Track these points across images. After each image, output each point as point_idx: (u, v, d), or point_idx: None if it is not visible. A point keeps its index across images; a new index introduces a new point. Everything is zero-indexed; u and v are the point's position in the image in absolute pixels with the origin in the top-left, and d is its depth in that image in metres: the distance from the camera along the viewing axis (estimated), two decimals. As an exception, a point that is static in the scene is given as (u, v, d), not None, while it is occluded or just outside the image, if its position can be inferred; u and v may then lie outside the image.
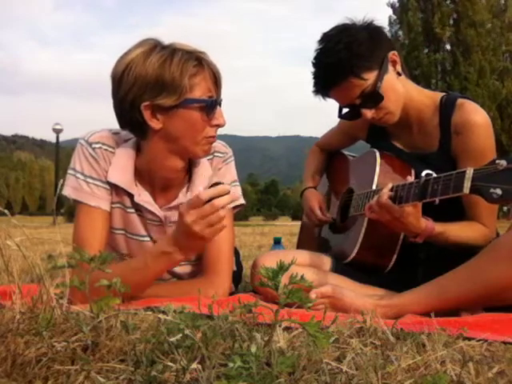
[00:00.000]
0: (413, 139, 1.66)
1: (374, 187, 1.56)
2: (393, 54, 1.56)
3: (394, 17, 24.34)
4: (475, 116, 1.51)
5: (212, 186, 1.25)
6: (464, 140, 1.51)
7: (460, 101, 1.56)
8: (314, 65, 1.58)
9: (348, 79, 1.51)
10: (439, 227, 1.44)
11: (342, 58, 1.50)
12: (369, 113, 1.56)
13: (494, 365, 0.83)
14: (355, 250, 1.56)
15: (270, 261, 1.44)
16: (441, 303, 1.31)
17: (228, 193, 1.23)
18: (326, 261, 1.66)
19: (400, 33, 24.11)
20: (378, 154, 1.62)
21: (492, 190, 1.11)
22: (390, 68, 1.55)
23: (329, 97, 1.61)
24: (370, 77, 1.52)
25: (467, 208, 1.54)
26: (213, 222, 1.23)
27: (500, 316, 1.24)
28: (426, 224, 1.42)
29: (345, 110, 1.65)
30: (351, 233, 1.65)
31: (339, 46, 1.50)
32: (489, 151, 1.49)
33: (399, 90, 1.57)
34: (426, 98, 1.63)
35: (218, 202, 1.22)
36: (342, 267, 1.62)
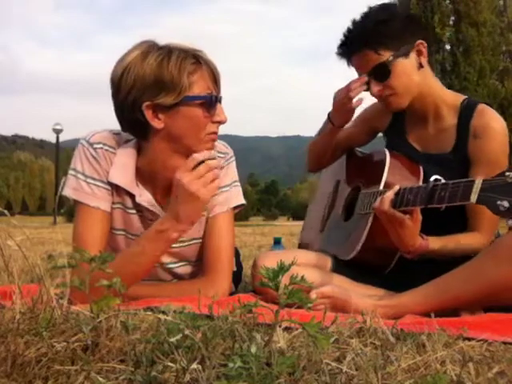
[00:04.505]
0: (427, 136, 1.66)
1: (381, 187, 1.56)
2: (421, 43, 1.57)
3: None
4: (496, 123, 1.53)
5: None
6: (480, 144, 1.52)
7: (481, 106, 1.57)
8: (347, 28, 1.63)
9: (363, 50, 1.55)
10: (434, 244, 1.44)
11: (365, 30, 1.55)
12: (376, 87, 1.57)
13: (494, 365, 0.83)
14: (357, 249, 1.56)
15: (270, 261, 1.44)
16: (441, 303, 1.31)
17: (215, 158, 1.36)
18: (326, 261, 1.66)
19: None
20: (388, 154, 1.62)
21: (499, 202, 1.11)
22: (413, 55, 1.57)
23: (351, 64, 1.64)
24: (387, 55, 1.54)
25: (470, 217, 1.54)
26: (208, 180, 1.29)
27: (500, 316, 1.24)
28: (421, 243, 1.42)
29: None
30: (355, 231, 1.64)
31: (369, 19, 1.57)
32: (503, 158, 1.51)
33: (414, 78, 1.58)
34: (447, 97, 1.63)
35: (210, 162, 1.31)
36: (342, 267, 1.62)
